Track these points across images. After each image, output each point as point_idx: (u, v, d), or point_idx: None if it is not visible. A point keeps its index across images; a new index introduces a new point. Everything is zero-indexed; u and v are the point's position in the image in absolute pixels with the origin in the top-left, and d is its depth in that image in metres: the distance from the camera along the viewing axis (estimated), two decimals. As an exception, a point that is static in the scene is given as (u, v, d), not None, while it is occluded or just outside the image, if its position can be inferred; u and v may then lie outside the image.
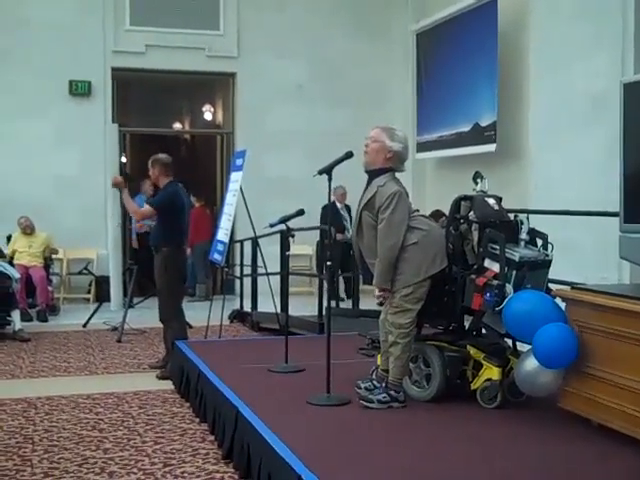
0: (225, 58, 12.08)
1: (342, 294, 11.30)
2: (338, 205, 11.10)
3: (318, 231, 8.47)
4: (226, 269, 9.29)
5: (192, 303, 10.81)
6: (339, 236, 10.58)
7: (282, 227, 5.97)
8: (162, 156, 6.78)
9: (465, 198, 4.64)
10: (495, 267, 4.34)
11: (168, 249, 6.53)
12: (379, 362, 4.74)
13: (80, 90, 11.52)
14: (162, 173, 6.66)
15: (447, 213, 4.75)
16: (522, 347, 4.50)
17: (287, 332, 5.84)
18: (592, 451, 3.69)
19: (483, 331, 4.70)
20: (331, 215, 9.97)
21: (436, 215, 9.38)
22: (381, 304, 4.62)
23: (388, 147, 4.53)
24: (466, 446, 3.79)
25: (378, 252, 4.44)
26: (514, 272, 4.32)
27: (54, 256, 10.70)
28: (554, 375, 4.07)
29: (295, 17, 12.17)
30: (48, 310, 9.93)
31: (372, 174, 4.58)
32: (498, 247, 4.34)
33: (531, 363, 4.10)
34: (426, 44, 11.63)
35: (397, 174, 4.61)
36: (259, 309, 9.27)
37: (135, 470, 4.24)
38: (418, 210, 4.68)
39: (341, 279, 11.12)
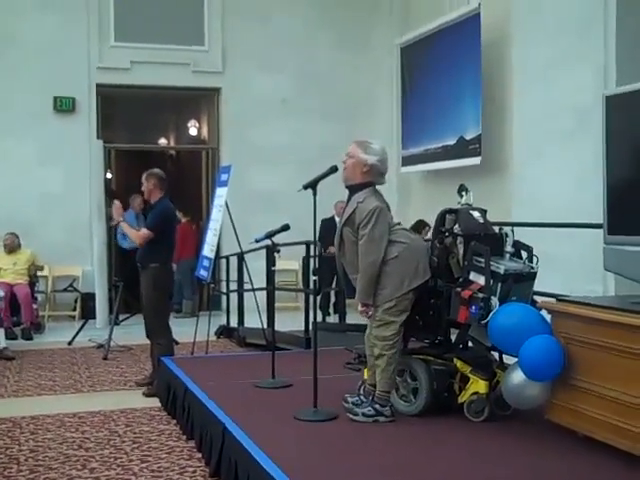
0: (210, 73, 12.10)
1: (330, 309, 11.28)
2: (337, 219, 11.03)
3: (304, 246, 8.46)
4: (212, 285, 9.27)
5: (178, 319, 10.77)
6: (332, 249, 10.55)
7: (268, 242, 5.96)
8: (157, 171, 6.79)
9: (450, 211, 4.65)
10: (480, 280, 4.35)
11: (156, 266, 6.52)
12: (366, 376, 4.73)
13: (64, 107, 11.50)
14: (157, 187, 6.68)
15: (432, 225, 4.76)
16: (508, 360, 4.50)
17: (274, 347, 5.82)
18: (578, 463, 3.69)
19: (469, 344, 4.70)
20: (324, 230, 9.93)
21: (420, 225, 9.41)
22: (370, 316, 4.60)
23: (363, 161, 4.53)
24: (454, 459, 3.79)
25: (359, 267, 4.45)
26: (499, 285, 4.32)
27: (39, 273, 10.63)
28: (541, 388, 4.07)
29: (280, 32, 12.21)
30: (33, 328, 9.86)
31: (352, 189, 4.60)
32: (483, 260, 4.35)
33: (518, 376, 4.10)
34: (410, 58, 11.68)
35: (380, 187, 4.62)
36: (245, 325, 9.25)
37: (121, 489, 4.22)
38: (399, 223, 4.68)
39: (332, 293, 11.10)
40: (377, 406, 4.46)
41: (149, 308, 6.58)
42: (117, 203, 7.09)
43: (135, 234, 6.70)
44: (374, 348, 4.50)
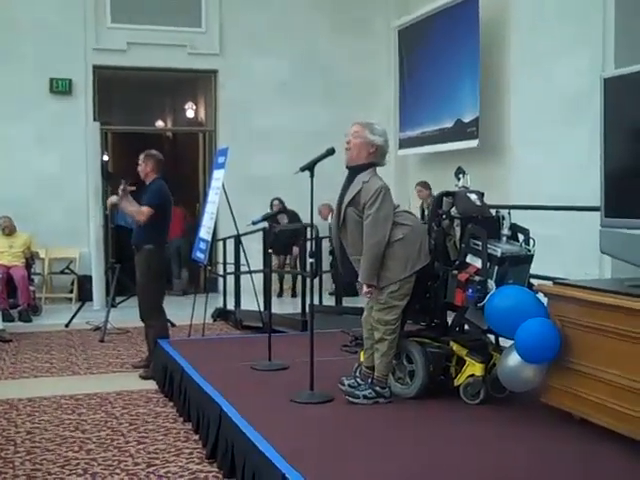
0: (207, 55, 12.04)
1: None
2: (325, 221, 10.80)
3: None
4: (209, 267, 9.26)
5: (172, 300, 10.78)
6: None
7: (265, 225, 5.95)
8: (155, 152, 6.74)
9: (447, 194, 4.65)
10: (477, 263, 4.35)
11: (151, 248, 6.49)
12: (362, 359, 4.74)
13: (61, 88, 11.44)
14: (154, 169, 6.63)
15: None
16: (505, 343, 4.51)
17: (270, 330, 5.83)
18: (574, 446, 3.70)
19: (466, 327, 4.71)
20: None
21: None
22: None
23: (370, 142, 4.52)
24: (450, 442, 3.80)
25: (364, 248, 4.43)
26: (496, 267, 4.33)
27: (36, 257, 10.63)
28: (536, 370, 4.08)
29: (277, 14, 12.14)
30: (30, 310, 9.87)
31: (354, 170, 4.57)
32: (480, 243, 4.35)
33: (514, 359, 4.11)
34: (408, 40, 11.64)
35: (379, 169, 4.61)
36: (242, 307, 9.25)
37: (118, 471, 4.22)
38: (399, 206, 4.67)
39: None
40: (377, 388, 4.47)
41: (143, 290, 6.57)
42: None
43: (137, 210, 6.50)
44: (375, 332, 4.50)
